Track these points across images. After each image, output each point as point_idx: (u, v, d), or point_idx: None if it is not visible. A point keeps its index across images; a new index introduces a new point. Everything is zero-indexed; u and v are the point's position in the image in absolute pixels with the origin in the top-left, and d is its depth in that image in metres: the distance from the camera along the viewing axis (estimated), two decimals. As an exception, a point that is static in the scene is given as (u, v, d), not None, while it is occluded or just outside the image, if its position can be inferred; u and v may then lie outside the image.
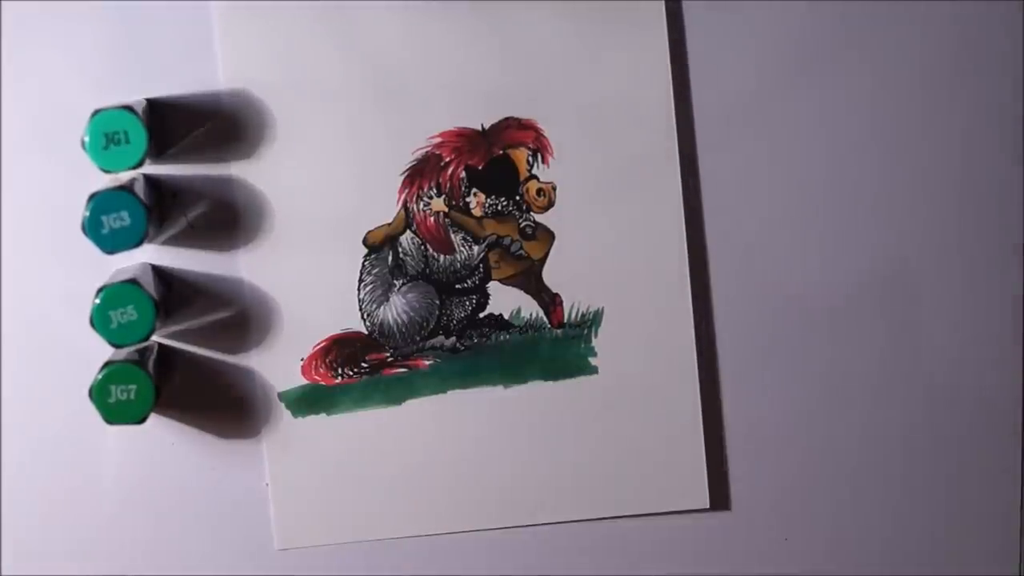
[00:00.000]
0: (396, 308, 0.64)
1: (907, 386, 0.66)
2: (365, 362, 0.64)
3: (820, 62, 0.65)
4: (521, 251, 0.65)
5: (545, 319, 0.65)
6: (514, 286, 0.65)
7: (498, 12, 0.63)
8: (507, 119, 0.64)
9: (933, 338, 0.66)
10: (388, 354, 0.64)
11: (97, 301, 0.58)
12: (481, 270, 0.65)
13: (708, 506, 0.66)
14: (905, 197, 0.65)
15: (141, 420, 0.59)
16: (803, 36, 0.64)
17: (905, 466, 0.67)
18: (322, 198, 0.63)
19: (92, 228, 0.57)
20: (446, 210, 0.64)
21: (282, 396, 0.64)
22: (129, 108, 0.57)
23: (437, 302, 0.65)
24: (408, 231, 0.64)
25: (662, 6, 0.63)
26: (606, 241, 0.65)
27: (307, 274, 0.63)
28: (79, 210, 0.57)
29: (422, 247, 0.64)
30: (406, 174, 0.64)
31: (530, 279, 0.65)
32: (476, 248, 0.65)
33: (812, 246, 0.65)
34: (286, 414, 0.64)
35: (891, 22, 0.65)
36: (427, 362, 0.65)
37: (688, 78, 0.64)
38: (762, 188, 0.65)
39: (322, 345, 0.64)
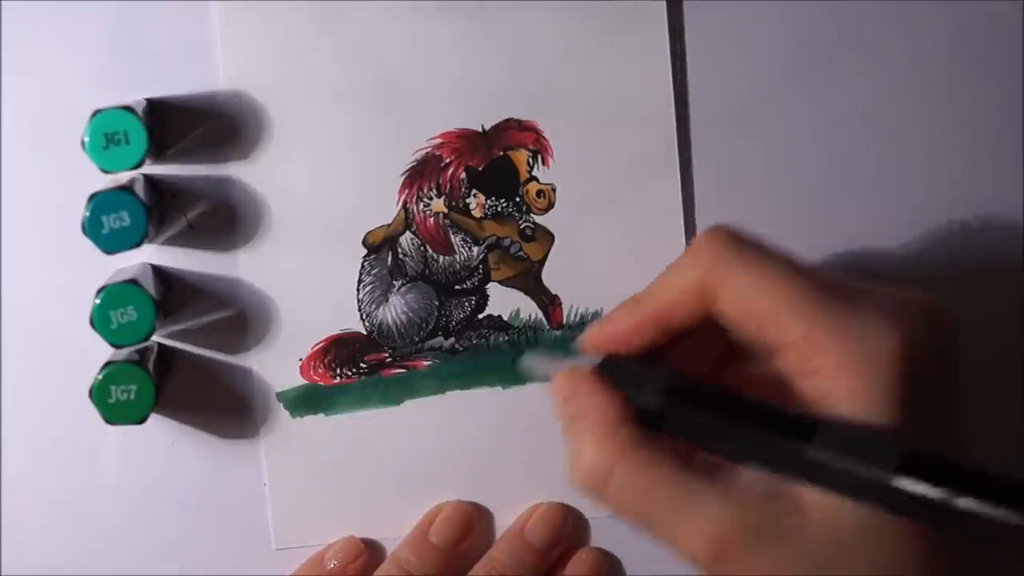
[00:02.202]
0: (395, 309, 0.64)
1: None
2: (364, 363, 0.64)
3: (821, 62, 0.65)
4: (521, 252, 0.65)
5: (544, 320, 0.65)
6: (513, 287, 0.65)
7: (499, 13, 0.63)
8: (507, 120, 0.64)
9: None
10: (387, 355, 0.64)
11: (97, 301, 0.58)
12: (480, 271, 0.65)
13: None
14: (905, 198, 0.66)
15: (141, 420, 0.59)
16: (803, 36, 0.64)
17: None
18: (322, 198, 0.63)
19: (92, 228, 0.57)
20: (446, 211, 0.64)
21: (280, 396, 0.64)
22: (129, 108, 0.57)
23: (436, 303, 0.64)
24: (408, 232, 0.64)
25: (663, 6, 0.63)
26: (606, 243, 0.65)
27: (306, 274, 0.63)
28: (79, 210, 0.57)
29: (422, 248, 0.64)
30: (406, 175, 0.64)
31: (529, 280, 0.65)
32: (476, 249, 0.65)
33: (813, 247, 0.65)
34: (284, 414, 0.64)
35: (891, 22, 0.65)
36: (426, 363, 0.65)
37: (687, 79, 0.64)
38: (762, 189, 0.65)
39: (321, 345, 0.64)
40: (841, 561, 0.46)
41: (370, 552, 0.64)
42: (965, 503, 0.43)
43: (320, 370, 0.64)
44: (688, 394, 0.50)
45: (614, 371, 0.51)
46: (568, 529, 0.65)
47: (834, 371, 0.47)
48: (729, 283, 0.49)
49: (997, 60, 0.65)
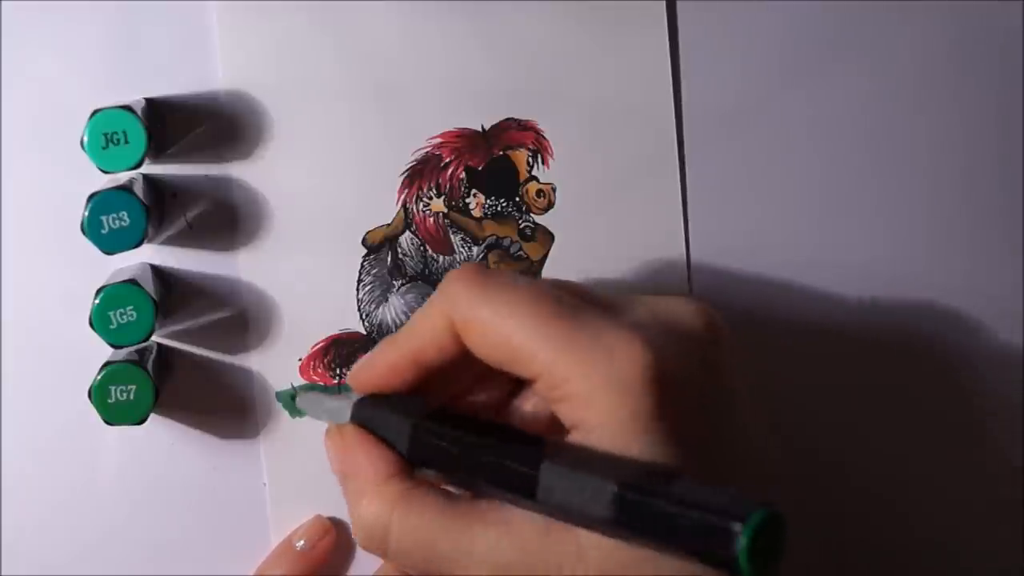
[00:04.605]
0: (395, 309, 0.64)
1: (906, 390, 0.66)
2: (364, 363, 0.64)
3: (817, 62, 0.65)
4: (521, 252, 0.65)
5: (544, 320, 0.65)
6: (513, 287, 0.65)
7: (498, 13, 0.63)
8: (507, 120, 0.64)
9: (932, 343, 0.66)
10: (387, 355, 0.64)
11: (97, 301, 0.58)
12: (480, 271, 0.65)
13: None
14: (902, 198, 0.66)
15: (141, 421, 0.59)
16: (799, 36, 0.65)
17: (906, 472, 0.67)
18: (321, 198, 0.63)
19: (91, 228, 0.57)
20: (445, 211, 0.64)
21: (280, 396, 0.64)
22: (128, 108, 0.57)
23: (436, 303, 0.64)
24: (407, 231, 0.64)
25: (663, 7, 0.63)
26: (606, 243, 0.65)
27: (306, 274, 0.63)
28: (78, 210, 0.57)
29: (421, 248, 0.64)
30: (406, 174, 0.64)
31: (529, 280, 0.65)
32: (475, 249, 0.64)
33: (808, 248, 0.65)
34: (285, 414, 0.64)
35: (888, 23, 0.65)
36: (426, 363, 0.65)
37: (681, 79, 0.64)
38: (758, 190, 0.65)
39: (320, 345, 0.64)
40: None
41: (337, 530, 0.64)
42: (683, 533, 0.43)
43: (320, 370, 0.64)
44: (430, 438, 0.51)
45: (371, 415, 0.53)
46: None
47: (582, 399, 0.48)
48: (473, 321, 0.50)
49: (997, 60, 0.65)
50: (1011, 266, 0.66)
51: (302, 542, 0.63)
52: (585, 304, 0.50)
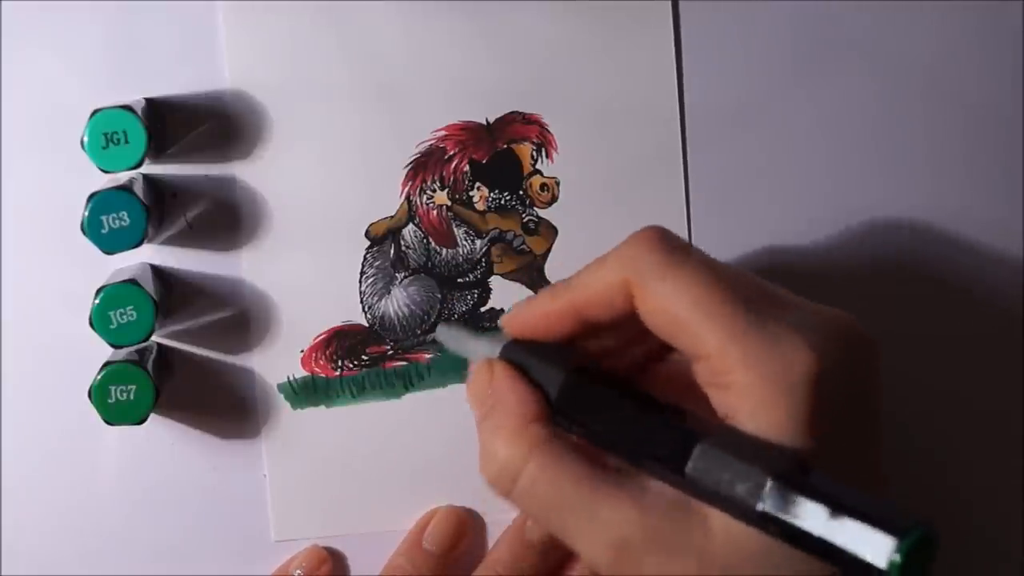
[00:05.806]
0: (397, 301, 0.64)
1: (908, 388, 0.66)
2: (365, 355, 0.64)
3: (818, 62, 0.64)
4: (524, 246, 0.64)
5: (547, 315, 0.64)
6: (516, 281, 0.65)
7: (503, 12, 0.62)
8: (511, 113, 0.64)
9: (931, 345, 0.66)
10: (388, 347, 0.64)
11: (97, 301, 0.58)
12: (483, 264, 0.64)
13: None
14: (903, 197, 0.65)
15: (141, 421, 0.59)
16: (800, 36, 0.64)
17: (905, 467, 0.67)
18: (325, 191, 0.63)
19: (92, 228, 0.57)
20: (449, 203, 0.64)
21: (281, 388, 0.64)
22: (128, 108, 0.57)
23: (438, 296, 0.64)
24: (411, 224, 0.64)
25: (668, 6, 0.63)
26: (609, 237, 0.64)
27: (309, 266, 0.63)
28: (78, 210, 0.57)
29: (424, 240, 0.64)
30: (409, 167, 0.63)
31: (532, 274, 0.65)
32: (478, 242, 0.64)
33: (808, 247, 0.65)
34: (285, 406, 0.64)
35: (889, 22, 0.64)
36: (427, 356, 0.65)
37: (683, 77, 0.64)
38: (759, 188, 0.65)
39: (323, 337, 0.64)
40: None
41: (333, 560, 0.65)
42: (833, 536, 0.43)
43: (322, 362, 0.64)
44: (584, 392, 0.50)
45: (521, 357, 0.52)
46: None
47: (743, 388, 0.47)
48: (649, 288, 0.49)
49: (997, 60, 0.65)
50: (1013, 269, 0.66)
51: (299, 572, 0.64)
52: (757, 296, 0.49)
